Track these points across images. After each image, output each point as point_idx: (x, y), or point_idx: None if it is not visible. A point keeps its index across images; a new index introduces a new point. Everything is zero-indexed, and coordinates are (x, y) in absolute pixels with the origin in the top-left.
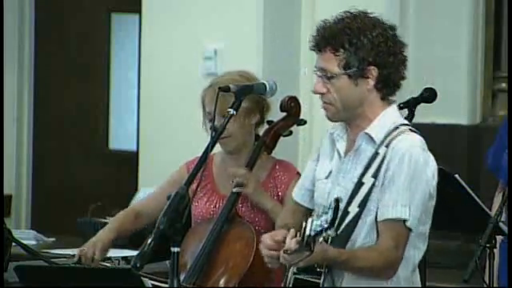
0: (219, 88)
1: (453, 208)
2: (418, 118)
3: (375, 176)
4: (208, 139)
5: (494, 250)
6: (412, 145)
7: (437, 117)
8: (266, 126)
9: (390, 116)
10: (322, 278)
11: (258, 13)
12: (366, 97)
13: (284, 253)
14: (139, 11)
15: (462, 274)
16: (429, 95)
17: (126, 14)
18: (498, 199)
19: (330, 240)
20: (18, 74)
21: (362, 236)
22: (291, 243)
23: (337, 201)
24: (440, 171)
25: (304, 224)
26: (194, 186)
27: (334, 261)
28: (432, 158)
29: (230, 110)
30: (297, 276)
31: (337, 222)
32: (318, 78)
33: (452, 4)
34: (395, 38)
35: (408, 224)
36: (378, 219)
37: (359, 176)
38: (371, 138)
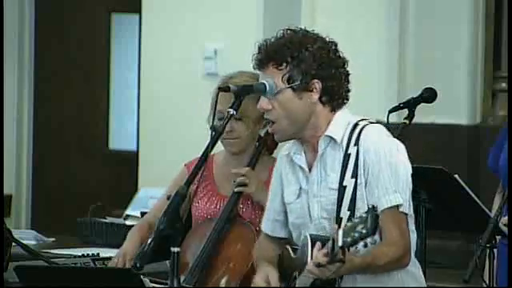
0: (219, 88)
1: (453, 208)
2: (418, 118)
3: (355, 176)
4: (208, 139)
5: (494, 250)
6: (379, 135)
7: (437, 117)
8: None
9: (342, 118)
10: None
11: (258, 13)
12: (312, 109)
13: (316, 266)
14: (139, 11)
15: (461, 274)
16: (429, 95)
17: (126, 14)
18: (497, 200)
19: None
20: (18, 74)
21: None
22: (319, 257)
23: (373, 208)
24: (440, 171)
25: (334, 236)
26: (194, 186)
27: (360, 267)
28: (397, 140)
29: (229, 110)
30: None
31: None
32: (262, 96)
33: (452, 4)
34: (336, 52)
35: (402, 209)
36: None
37: (338, 181)
38: (334, 140)
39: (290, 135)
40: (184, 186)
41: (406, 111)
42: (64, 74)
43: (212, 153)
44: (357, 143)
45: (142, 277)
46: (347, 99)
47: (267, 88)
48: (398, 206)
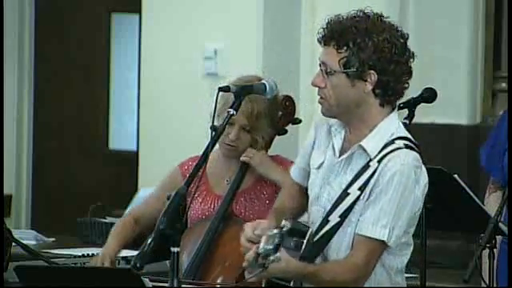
0: (219, 88)
1: (453, 208)
2: (418, 118)
3: (362, 189)
4: (208, 139)
5: (494, 250)
6: (403, 163)
7: (437, 117)
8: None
9: (388, 126)
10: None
11: (258, 13)
12: (363, 99)
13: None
14: (139, 11)
15: (461, 274)
16: (429, 95)
17: (126, 14)
18: (490, 200)
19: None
20: (18, 74)
21: (345, 246)
22: (249, 255)
23: (281, 228)
24: (440, 171)
25: (262, 239)
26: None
27: (297, 274)
28: (424, 174)
29: (229, 110)
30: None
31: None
32: (319, 71)
33: (452, 4)
34: (403, 47)
35: (387, 243)
36: (356, 231)
37: (346, 185)
38: (365, 151)
39: (335, 115)
40: (184, 186)
41: (406, 111)
42: (64, 74)
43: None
44: (380, 161)
45: (142, 277)
46: (401, 96)
47: (267, 88)
48: (380, 240)
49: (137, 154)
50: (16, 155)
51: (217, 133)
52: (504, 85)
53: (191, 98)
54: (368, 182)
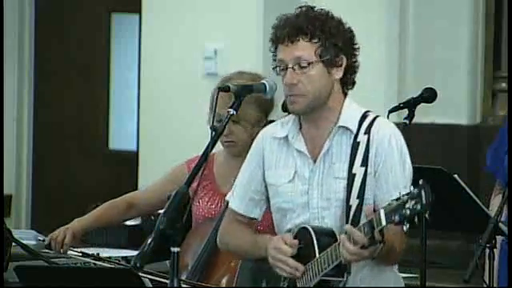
0: (219, 88)
1: (453, 208)
2: (418, 118)
3: (365, 164)
4: (208, 139)
5: (494, 250)
6: (391, 126)
7: (437, 117)
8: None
9: (352, 106)
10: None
11: (258, 13)
12: (333, 88)
13: (361, 248)
14: (139, 11)
15: (461, 274)
16: (429, 95)
17: (126, 14)
18: (494, 202)
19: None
20: (18, 74)
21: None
22: (359, 239)
23: (423, 183)
24: (440, 171)
25: (375, 216)
26: (194, 185)
27: (389, 249)
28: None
29: (230, 110)
30: (323, 278)
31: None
32: (289, 70)
33: (452, 4)
34: (353, 33)
35: None
36: (381, 205)
37: (347, 169)
38: (347, 129)
39: (309, 109)
40: (184, 186)
41: (406, 111)
42: (64, 74)
43: (213, 152)
44: (367, 132)
45: (142, 277)
46: (354, 83)
47: (267, 88)
48: None
49: (137, 154)
50: (16, 155)
51: (217, 133)
52: (504, 85)
53: (191, 98)
54: (367, 156)
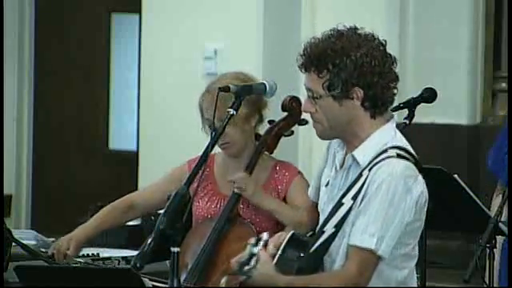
0: (219, 88)
1: (453, 208)
2: (418, 118)
3: (354, 198)
4: (208, 139)
5: (494, 250)
6: (392, 173)
7: (437, 117)
8: (266, 125)
9: (382, 136)
10: None
11: (258, 13)
12: (354, 116)
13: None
14: (139, 11)
15: (461, 274)
16: (429, 95)
17: (126, 14)
18: (496, 202)
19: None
20: (18, 74)
21: (341, 257)
22: (233, 263)
23: (259, 240)
24: (440, 171)
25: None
26: (194, 185)
27: (286, 285)
28: (420, 183)
29: (229, 110)
30: None
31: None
32: (307, 97)
33: (452, 4)
34: (383, 55)
35: (378, 253)
36: (349, 242)
37: (340, 196)
38: (356, 161)
39: (330, 136)
40: (184, 186)
41: (406, 111)
42: (64, 74)
43: (213, 152)
44: (370, 169)
45: (141, 277)
46: (391, 103)
47: (267, 88)
48: (369, 250)
49: (137, 154)
50: (16, 155)
51: (217, 133)
52: (504, 85)
53: (191, 98)
54: (360, 191)
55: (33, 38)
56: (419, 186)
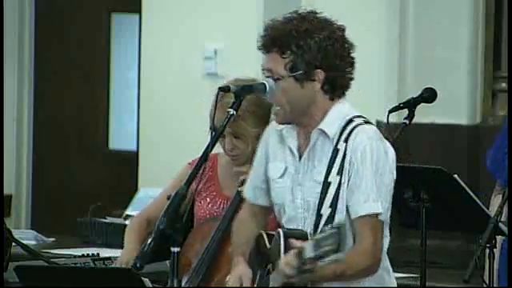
0: (219, 88)
1: (453, 208)
2: (418, 118)
3: (340, 173)
4: (208, 139)
5: (494, 250)
6: (369, 137)
7: (437, 117)
8: None
9: (340, 110)
10: None
11: (258, 13)
12: (313, 98)
13: (286, 268)
14: (139, 11)
15: (461, 274)
16: (429, 95)
17: (126, 14)
18: (494, 202)
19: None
20: (18, 74)
21: None
22: (290, 263)
23: (338, 226)
24: (440, 171)
25: (303, 245)
26: (195, 185)
27: (331, 277)
28: (388, 144)
29: (229, 110)
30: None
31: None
32: (266, 79)
33: (452, 4)
34: (343, 39)
35: (380, 217)
36: (353, 217)
37: (324, 176)
38: (325, 134)
39: (289, 121)
40: (184, 187)
41: (406, 111)
42: (64, 74)
43: (216, 152)
44: (347, 140)
45: (141, 277)
46: (348, 87)
47: (267, 88)
48: (376, 214)
49: (137, 154)
50: (16, 155)
51: (217, 133)
52: (504, 85)
53: (191, 98)
54: (343, 165)
55: (33, 38)
56: (391, 149)
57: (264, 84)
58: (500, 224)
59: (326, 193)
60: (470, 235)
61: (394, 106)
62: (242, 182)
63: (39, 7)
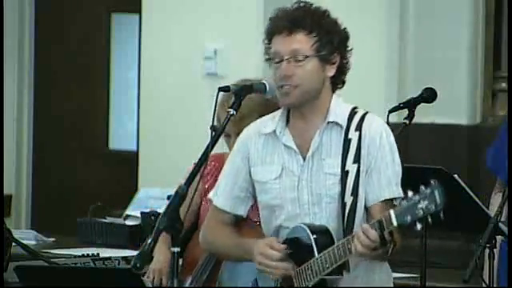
0: (219, 88)
1: (453, 208)
2: (418, 118)
3: (357, 161)
4: (208, 139)
5: (494, 250)
6: (381, 123)
7: (437, 117)
8: None
9: (339, 102)
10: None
11: (258, 13)
12: (323, 84)
13: (371, 244)
14: (139, 11)
15: (461, 274)
16: (429, 95)
17: (126, 14)
18: (494, 200)
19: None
20: (18, 74)
21: (359, 220)
22: (372, 238)
23: (435, 183)
24: (440, 171)
25: (385, 217)
26: (205, 185)
27: (398, 248)
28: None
29: (229, 110)
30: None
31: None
32: (285, 62)
33: (452, 4)
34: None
35: (395, 202)
36: (374, 202)
37: (340, 166)
38: (337, 124)
39: (300, 102)
40: (184, 186)
41: (406, 111)
42: (64, 74)
43: (223, 152)
44: (359, 129)
45: (141, 277)
46: (344, 83)
47: (267, 88)
48: (393, 199)
49: (137, 154)
50: (16, 155)
51: (217, 133)
52: (504, 85)
53: (191, 98)
54: (359, 152)
55: (33, 38)
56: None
57: (264, 84)
58: (500, 224)
59: (346, 182)
60: (470, 235)
61: (393, 106)
62: None
63: (39, 7)
